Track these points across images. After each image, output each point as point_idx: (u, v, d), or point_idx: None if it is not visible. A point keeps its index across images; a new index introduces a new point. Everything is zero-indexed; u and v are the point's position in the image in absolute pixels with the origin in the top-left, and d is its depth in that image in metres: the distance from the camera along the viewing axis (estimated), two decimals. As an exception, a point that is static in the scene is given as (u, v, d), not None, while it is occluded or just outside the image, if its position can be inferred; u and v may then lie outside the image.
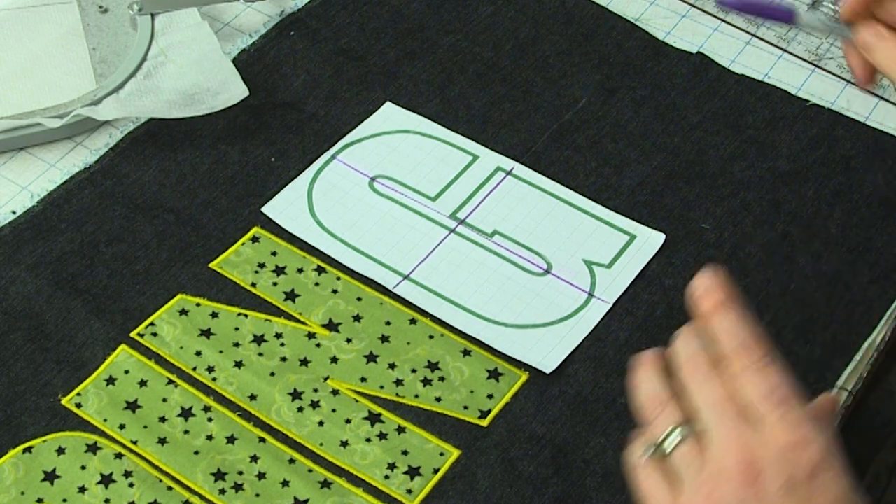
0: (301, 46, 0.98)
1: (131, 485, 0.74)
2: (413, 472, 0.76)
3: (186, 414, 0.78)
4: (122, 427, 0.77)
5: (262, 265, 0.85)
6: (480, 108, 0.95)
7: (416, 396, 0.79)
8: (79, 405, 0.78)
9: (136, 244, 0.86)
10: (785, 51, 1.01)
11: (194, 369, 0.80)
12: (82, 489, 0.74)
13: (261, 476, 0.75)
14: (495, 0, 1.03)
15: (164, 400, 0.78)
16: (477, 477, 0.76)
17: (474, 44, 1.00)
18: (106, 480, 0.75)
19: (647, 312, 0.84)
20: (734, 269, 0.86)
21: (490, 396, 0.79)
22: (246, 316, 0.82)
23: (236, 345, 0.81)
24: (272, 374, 0.80)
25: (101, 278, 0.84)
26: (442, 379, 0.80)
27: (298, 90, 0.96)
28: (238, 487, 0.75)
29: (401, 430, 0.78)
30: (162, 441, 0.77)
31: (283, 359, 0.80)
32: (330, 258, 0.86)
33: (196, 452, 0.76)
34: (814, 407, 0.60)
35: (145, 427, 0.77)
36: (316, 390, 0.79)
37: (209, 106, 0.91)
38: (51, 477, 0.75)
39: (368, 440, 0.77)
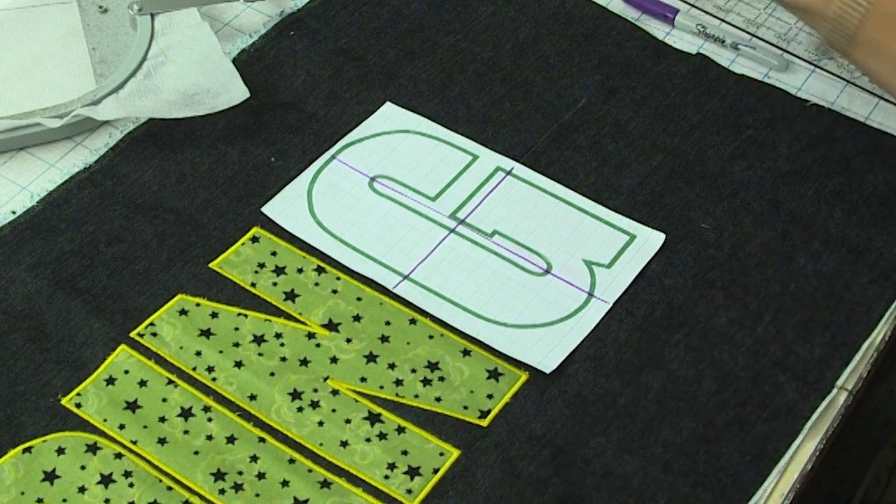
0: (301, 46, 0.98)
1: (131, 485, 0.74)
2: (413, 472, 0.76)
3: (186, 414, 0.78)
4: (121, 427, 0.77)
5: (261, 265, 0.85)
6: (480, 108, 0.95)
7: (416, 396, 0.79)
8: (79, 405, 0.78)
9: (136, 244, 0.86)
10: (785, 51, 1.01)
11: (194, 369, 0.80)
12: (82, 489, 0.74)
13: (261, 476, 0.75)
14: (495, 0, 1.03)
15: (164, 400, 0.78)
16: (477, 477, 0.76)
17: (474, 44, 1.00)
18: (106, 480, 0.75)
19: (647, 312, 0.84)
20: (734, 269, 0.86)
21: (490, 396, 0.79)
22: (246, 316, 0.82)
23: (236, 345, 0.81)
24: (272, 374, 0.80)
25: (101, 278, 0.84)
26: (442, 379, 0.80)
27: (298, 90, 0.96)
28: (238, 487, 0.75)
29: (401, 430, 0.78)
30: (162, 441, 0.77)
31: (283, 359, 0.80)
32: (330, 258, 0.86)
33: (196, 452, 0.76)
34: None
35: (145, 427, 0.77)
36: (316, 390, 0.79)
37: (209, 106, 0.91)
38: (51, 477, 0.75)
39: (368, 440, 0.77)
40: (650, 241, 0.87)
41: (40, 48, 0.98)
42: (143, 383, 0.79)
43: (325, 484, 0.75)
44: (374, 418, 0.78)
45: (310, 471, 0.76)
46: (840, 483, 1.13)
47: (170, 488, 0.75)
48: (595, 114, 0.95)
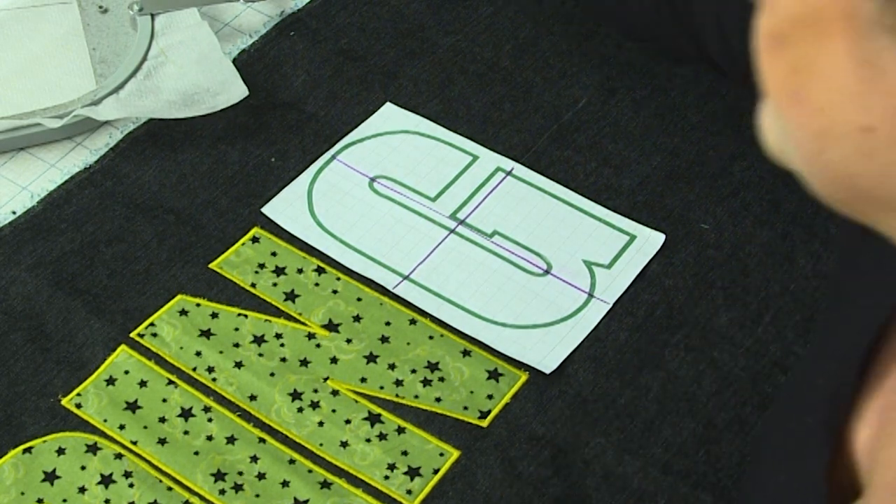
0: (301, 46, 0.98)
1: (131, 485, 0.74)
2: (413, 472, 0.76)
3: (186, 414, 0.78)
4: (122, 427, 0.77)
5: (261, 265, 0.85)
6: (480, 109, 0.95)
7: (416, 397, 0.79)
8: (79, 405, 0.78)
9: (136, 244, 0.86)
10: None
11: (194, 370, 0.80)
12: (82, 489, 0.74)
13: (261, 476, 0.75)
14: (495, 0, 1.03)
15: (164, 400, 0.78)
16: (477, 477, 0.76)
17: (474, 44, 1.00)
18: (106, 481, 0.75)
19: (647, 313, 0.84)
20: (734, 269, 0.86)
21: (490, 397, 0.79)
22: (246, 316, 0.82)
23: (236, 345, 0.81)
24: (272, 374, 0.80)
25: (101, 278, 0.84)
26: (442, 379, 0.80)
27: (298, 90, 0.96)
28: (238, 488, 0.75)
29: (401, 430, 0.78)
30: (162, 441, 0.77)
31: (283, 359, 0.80)
32: (330, 258, 0.86)
33: (196, 453, 0.76)
34: None
35: (145, 427, 0.77)
36: (316, 391, 0.79)
37: (209, 106, 0.91)
38: (51, 477, 0.75)
39: (368, 440, 0.77)
40: (650, 241, 0.87)
41: (40, 48, 0.98)
42: (143, 384, 0.79)
43: (326, 484, 0.75)
44: (374, 419, 0.78)
45: (310, 471, 0.76)
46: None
47: (170, 489, 0.75)
48: (595, 114, 0.95)
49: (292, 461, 0.76)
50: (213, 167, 0.91)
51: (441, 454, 0.77)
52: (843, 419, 0.57)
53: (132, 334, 0.81)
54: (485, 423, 0.78)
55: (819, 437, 0.58)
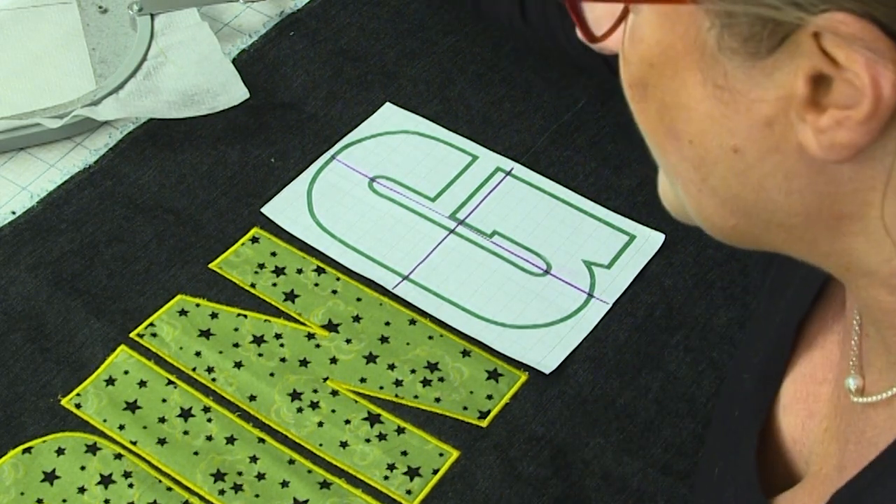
0: (301, 46, 0.98)
1: (131, 485, 0.74)
2: (412, 472, 0.76)
3: (186, 414, 0.78)
4: (121, 427, 0.77)
5: (261, 266, 0.85)
6: (480, 109, 0.95)
7: (416, 397, 0.79)
8: (78, 405, 0.78)
9: (136, 244, 0.86)
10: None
11: (194, 370, 0.80)
12: (82, 489, 0.74)
13: (260, 476, 0.75)
14: (495, 0, 1.03)
15: (164, 400, 0.78)
16: (476, 477, 0.76)
17: (474, 44, 1.00)
18: (105, 481, 0.75)
19: (647, 313, 0.84)
20: (734, 269, 0.86)
21: (489, 397, 0.79)
22: (245, 316, 0.82)
23: (236, 345, 0.81)
24: (272, 374, 0.80)
25: (101, 278, 0.84)
26: (441, 379, 0.80)
27: (298, 90, 0.96)
28: (238, 488, 0.75)
29: (400, 430, 0.78)
30: (161, 441, 0.77)
31: (283, 359, 0.80)
32: (329, 259, 0.86)
33: (196, 453, 0.76)
34: None
35: (145, 427, 0.77)
36: (315, 391, 0.79)
37: (209, 107, 0.91)
38: (50, 477, 0.75)
39: (368, 441, 0.77)
40: (650, 241, 0.87)
41: (40, 48, 0.98)
42: (142, 384, 0.79)
43: (325, 484, 0.75)
44: (373, 419, 0.78)
45: (309, 471, 0.76)
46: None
47: (169, 489, 0.75)
48: (595, 114, 0.95)
49: (292, 461, 0.76)
50: (212, 167, 0.91)
51: (441, 454, 0.77)
52: (769, 410, 0.59)
53: (132, 334, 0.81)
54: (484, 424, 0.78)
55: (747, 427, 0.59)
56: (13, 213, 0.88)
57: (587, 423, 0.78)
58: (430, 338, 0.82)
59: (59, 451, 0.76)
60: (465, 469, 0.76)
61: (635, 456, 0.77)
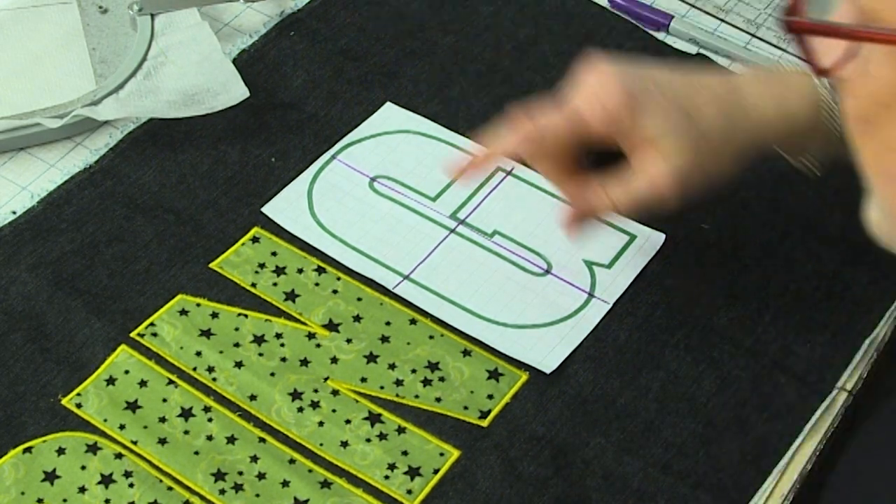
0: (301, 46, 0.98)
1: (131, 485, 0.74)
2: (413, 472, 0.76)
3: (186, 414, 0.78)
4: (122, 427, 0.77)
5: (262, 265, 0.85)
6: (480, 108, 0.95)
7: (417, 397, 0.79)
8: (79, 405, 0.78)
9: (136, 244, 0.86)
10: (785, 51, 1.01)
11: (194, 369, 0.80)
12: (82, 489, 0.74)
13: (261, 476, 0.75)
14: (495, 0, 1.03)
15: (165, 400, 0.78)
16: (477, 477, 0.76)
17: (474, 44, 1.00)
18: (106, 481, 0.75)
19: (647, 312, 0.84)
20: (734, 269, 0.86)
21: (490, 397, 0.79)
22: (246, 316, 0.82)
23: (236, 345, 0.81)
24: (272, 374, 0.80)
25: (101, 278, 0.84)
26: (442, 379, 0.80)
27: (298, 90, 0.96)
28: (238, 488, 0.75)
29: (401, 430, 0.78)
30: (162, 441, 0.77)
31: (283, 359, 0.80)
32: (330, 258, 0.86)
33: (196, 453, 0.76)
34: None
35: (145, 427, 0.77)
36: (316, 390, 0.79)
37: (209, 106, 0.91)
38: (51, 477, 0.75)
39: (368, 440, 0.77)
40: (650, 241, 0.87)
41: (40, 48, 0.98)
42: (143, 383, 0.79)
43: (326, 484, 0.75)
44: (374, 418, 0.78)
45: (310, 471, 0.76)
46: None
47: (170, 488, 0.75)
48: (595, 114, 0.95)
49: (292, 461, 0.76)
50: (213, 167, 0.91)
51: (441, 454, 0.77)
52: None
53: (132, 334, 0.81)
54: (485, 423, 0.78)
55: None
56: (13, 212, 0.88)
57: (588, 423, 0.78)
58: (431, 337, 0.82)
59: (60, 451, 0.76)
60: (466, 469, 0.76)
61: (636, 455, 0.77)
